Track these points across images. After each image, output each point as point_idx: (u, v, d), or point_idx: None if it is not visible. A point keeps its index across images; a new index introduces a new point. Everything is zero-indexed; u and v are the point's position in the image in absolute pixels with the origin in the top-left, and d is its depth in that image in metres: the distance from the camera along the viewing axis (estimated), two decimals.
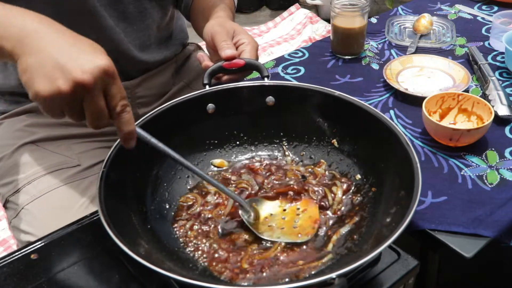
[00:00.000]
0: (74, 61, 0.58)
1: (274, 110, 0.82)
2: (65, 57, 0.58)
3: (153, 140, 0.66)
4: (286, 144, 0.84)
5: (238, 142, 0.84)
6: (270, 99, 0.81)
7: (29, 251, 0.70)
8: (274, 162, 0.83)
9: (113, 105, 0.61)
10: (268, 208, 0.75)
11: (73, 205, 0.90)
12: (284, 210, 0.74)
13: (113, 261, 0.67)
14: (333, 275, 0.52)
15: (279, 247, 0.68)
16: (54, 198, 0.92)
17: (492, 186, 0.81)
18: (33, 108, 1.01)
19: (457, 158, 0.86)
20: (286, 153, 0.83)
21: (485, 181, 0.82)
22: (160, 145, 0.66)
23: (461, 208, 0.77)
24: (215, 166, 0.83)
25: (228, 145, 0.84)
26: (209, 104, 0.80)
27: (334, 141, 0.80)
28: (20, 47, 0.60)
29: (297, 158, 0.83)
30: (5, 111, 1.04)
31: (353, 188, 0.76)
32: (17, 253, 0.69)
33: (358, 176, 0.76)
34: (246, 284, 0.64)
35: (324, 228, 0.71)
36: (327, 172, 0.79)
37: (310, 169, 0.80)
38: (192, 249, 0.69)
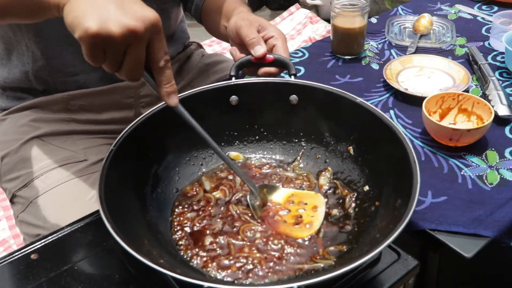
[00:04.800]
0: (128, 8, 0.59)
1: (297, 109, 0.81)
2: (119, 2, 0.59)
3: (187, 115, 0.67)
4: (304, 144, 0.83)
5: (257, 137, 0.84)
6: (294, 97, 0.81)
7: (29, 251, 0.69)
8: (275, 167, 0.82)
9: (157, 58, 0.62)
10: (277, 197, 0.75)
11: (82, 198, 0.91)
12: (292, 202, 0.73)
13: (113, 261, 0.67)
14: (295, 285, 0.52)
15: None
16: (63, 192, 0.92)
17: (492, 186, 0.81)
18: (37, 104, 1.01)
19: (457, 158, 0.86)
20: (298, 157, 0.83)
21: (485, 181, 0.82)
22: (192, 120, 0.68)
23: (461, 208, 0.77)
24: (231, 158, 0.83)
25: (247, 139, 0.84)
26: (233, 96, 0.81)
27: (350, 148, 0.79)
28: None
29: (311, 162, 0.82)
30: (6, 108, 1.03)
31: (354, 197, 0.75)
32: (17, 253, 0.69)
33: (366, 188, 0.75)
34: (230, 279, 0.64)
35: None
36: (327, 183, 0.78)
37: (303, 176, 0.80)
38: (179, 237, 0.70)
